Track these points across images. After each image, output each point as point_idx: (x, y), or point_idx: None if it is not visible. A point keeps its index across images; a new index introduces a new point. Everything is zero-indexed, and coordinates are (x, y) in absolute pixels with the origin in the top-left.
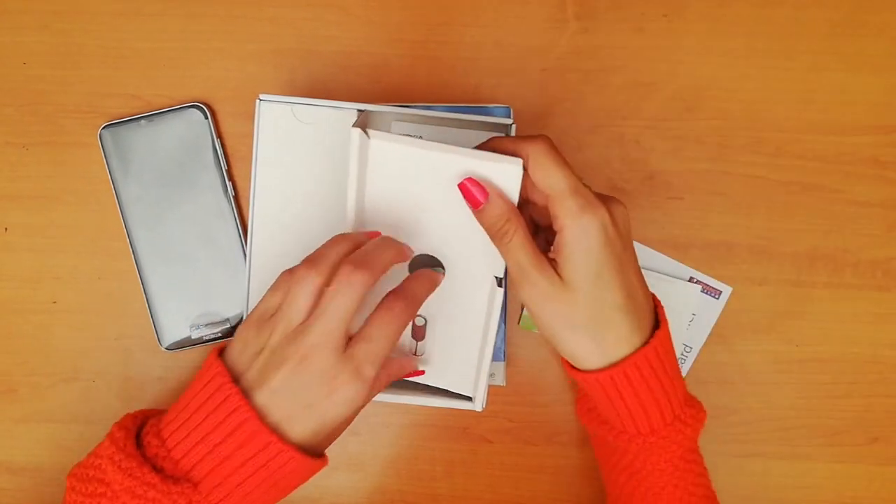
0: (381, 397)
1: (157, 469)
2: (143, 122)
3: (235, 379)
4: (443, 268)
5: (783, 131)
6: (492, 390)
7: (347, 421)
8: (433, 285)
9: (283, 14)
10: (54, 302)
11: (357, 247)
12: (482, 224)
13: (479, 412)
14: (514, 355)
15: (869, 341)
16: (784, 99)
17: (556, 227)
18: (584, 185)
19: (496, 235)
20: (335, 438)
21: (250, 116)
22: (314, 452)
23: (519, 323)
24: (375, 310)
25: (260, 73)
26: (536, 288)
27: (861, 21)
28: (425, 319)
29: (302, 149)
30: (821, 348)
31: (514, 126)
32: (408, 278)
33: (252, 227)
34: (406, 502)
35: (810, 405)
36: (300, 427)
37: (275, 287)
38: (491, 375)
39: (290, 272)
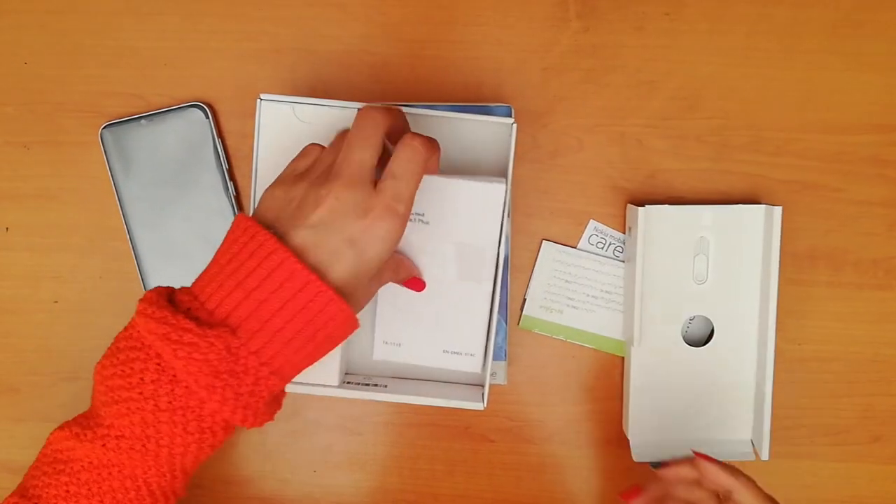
0: (383, 396)
1: (192, 318)
2: (143, 121)
3: (268, 227)
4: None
5: (783, 130)
6: (493, 389)
7: (382, 262)
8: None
9: (283, 13)
10: (55, 301)
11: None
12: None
13: (480, 411)
14: (515, 355)
15: (870, 340)
16: (784, 98)
17: None
18: None
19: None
20: (370, 294)
21: (251, 116)
22: (349, 302)
23: (519, 323)
24: (396, 149)
25: (260, 73)
26: None
27: (861, 20)
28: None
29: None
30: (822, 347)
31: (515, 125)
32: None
33: None
34: (407, 501)
35: (812, 404)
36: (340, 266)
37: (303, 154)
38: (492, 374)
39: (317, 144)
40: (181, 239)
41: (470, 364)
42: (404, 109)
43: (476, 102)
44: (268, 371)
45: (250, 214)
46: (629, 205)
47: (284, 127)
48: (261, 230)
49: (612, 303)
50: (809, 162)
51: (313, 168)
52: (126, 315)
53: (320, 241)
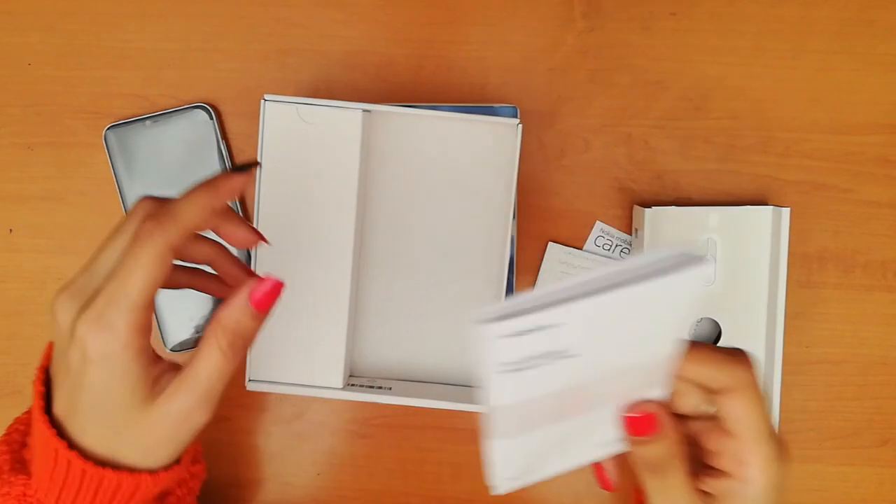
0: (389, 399)
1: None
2: (147, 122)
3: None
4: (252, 166)
5: (792, 131)
6: None
7: (119, 394)
8: (215, 192)
9: (288, 14)
10: None
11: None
12: (635, 454)
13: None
14: None
15: (879, 343)
16: (793, 98)
17: (733, 470)
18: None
19: (652, 469)
20: (148, 436)
21: (255, 117)
22: (123, 461)
23: None
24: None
25: (265, 74)
26: None
27: (871, 20)
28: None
29: (307, 149)
30: (830, 350)
31: (520, 126)
32: (184, 197)
33: (257, 227)
34: None
35: (820, 407)
36: (83, 420)
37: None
38: None
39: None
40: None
41: (477, 407)
42: (410, 110)
43: (481, 103)
44: None
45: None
46: (635, 206)
47: (288, 128)
48: (38, 383)
49: None
50: (818, 162)
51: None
52: None
53: (58, 387)
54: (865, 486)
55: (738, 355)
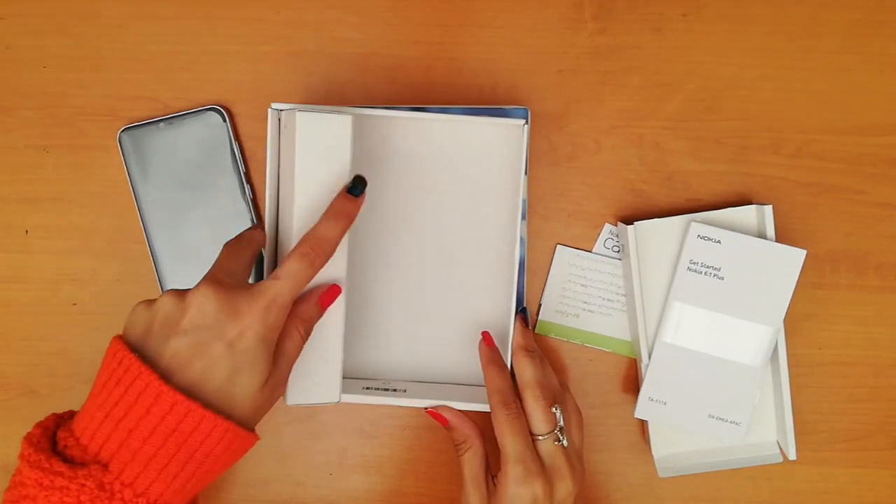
0: (400, 401)
1: (66, 459)
2: (161, 124)
3: (137, 348)
4: (363, 185)
5: (803, 132)
6: None
7: (262, 365)
8: (349, 219)
9: (300, 16)
10: (74, 304)
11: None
12: (451, 439)
13: None
14: None
15: (892, 344)
16: (804, 99)
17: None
18: (534, 453)
19: (458, 448)
20: (259, 402)
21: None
22: (234, 416)
23: (535, 328)
24: (288, 255)
25: (277, 76)
26: (468, 498)
27: (882, 20)
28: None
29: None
30: (843, 352)
31: (527, 127)
32: (322, 219)
33: (270, 229)
34: None
35: (832, 409)
36: (215, 377)
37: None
38: None
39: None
40: (198, 242)
41: (733, 433)
42: (420, 114)
43: (491, 105)
44: (145, 501)
45: (124, 330)
46: (619, 223)
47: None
48: (127, 354)
49: (628, 305)
50: (830, 164)
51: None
52: None
53: (191, 348)
54: (878, 488)
55: (525, 330)
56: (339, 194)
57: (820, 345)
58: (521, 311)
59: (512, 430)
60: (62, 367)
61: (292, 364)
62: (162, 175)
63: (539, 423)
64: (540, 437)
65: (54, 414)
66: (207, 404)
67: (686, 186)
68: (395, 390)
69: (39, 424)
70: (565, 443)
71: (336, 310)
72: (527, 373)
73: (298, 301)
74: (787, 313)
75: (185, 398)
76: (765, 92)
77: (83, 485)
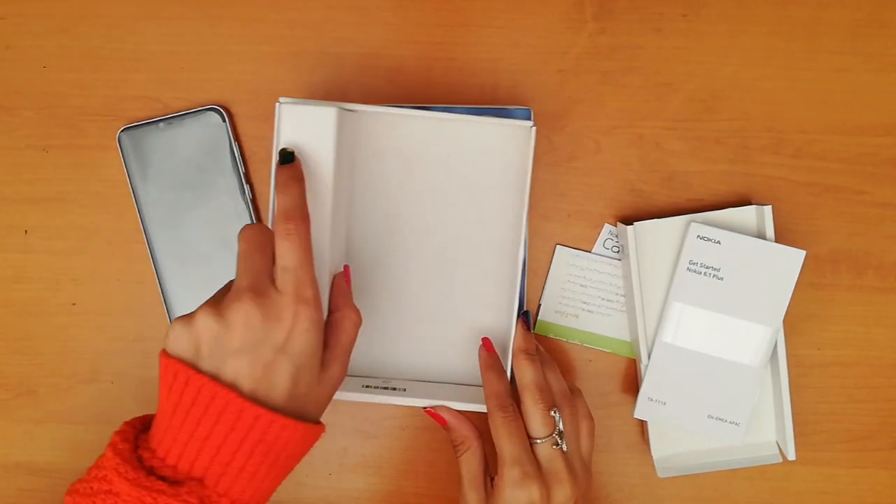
0: (400, 400)
1: (161, 478)
2: (161, 124)
3: (193, 365)
4: (291, 155)
5: (804, 132)
6: None
7: (317, 354)
8: (299, 181)
9: (300, 16)
10: (73, 304)
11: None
12: (449, 439)
13: None
14: None
15: (892, 345)
16: (805, 99)
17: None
18: (532, 455)
19: (456, 449)
20: (329, 386)
21: (268, 119)
22: (304, 414)
23: (534, 328)
24: (276, 244)
25: (277, 76)
26: (466, 498)
27: (884, 20)
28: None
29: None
30: (843, 352)
31: (534, 129)
32: (277, 195)
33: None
34: None
35: (832, 409)
36: (279, 382)
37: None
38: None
39: None
40: (198, 241)
41: (733, 433)
42: (424, 113)
43: (492, 104)
44: None
45: (168, 350)
46: (619, 223)
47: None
48: (194, 374)
49: (628, 305)
50: (831, 164)
51: (210, 300)
52: (144, 317)
53: (251, 364)
54: (878, 488)
55: (525, 333)
56: (276, 168)
57: (820, 345)
58: (524, 315)
59: (508, 432)
60: (62, 367)
61: (350, 347)
62: (162, 175)
63: (537, 426)
64: (538, 441)
65: (129, 423)
66: (282, 410)
67: (686, 186)
68: (394, 389)
69: (122, 435)
70: (564, 447)
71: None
72: (526, 376)
73: (344, 294)
74: (786, 314)
75: (267, 411)
76: (765, 92)
77: (186, 500)
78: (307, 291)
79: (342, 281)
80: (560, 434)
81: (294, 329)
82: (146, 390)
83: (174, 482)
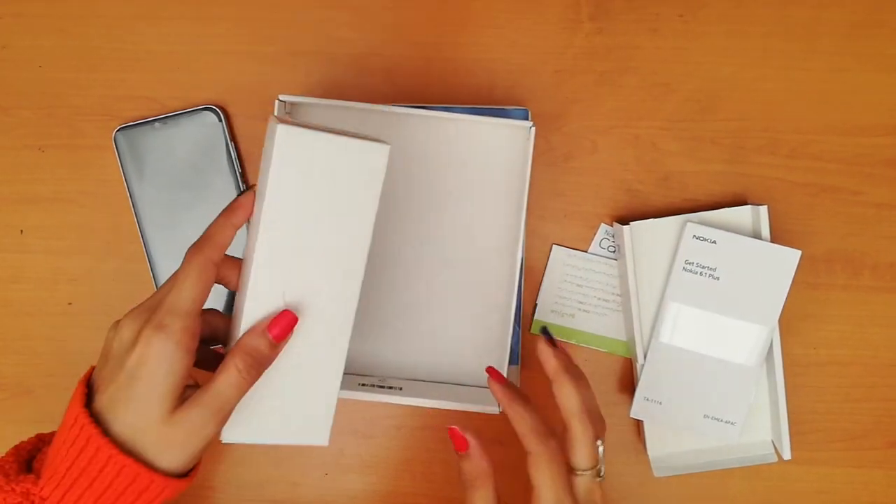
0: (395, 399)
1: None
2: (157, 124)
3: (90, 400)
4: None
5: (801, 132)
6: None
7: (170, 392)
8: (243, 211)
9: (297, 16)
10: (70, 304)
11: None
12: (460, 466)
13: (492, 415)
14: (527, 359)
15: (887, 345)
16: (802, 100)
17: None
18: (572, 495)
19: (469, 483)
20: (169, 437)
21: (264, 118)
22: (140, 452)
23: (530, 328)
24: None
25: (274, 76)
26: None
27: (881, 21)
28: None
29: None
30: (838, 352)
31: (533, 129)
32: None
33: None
34: None
35: (828, 409)
36: (115, 400)
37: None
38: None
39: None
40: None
41: (729, 433)
42: (423, 112)
43: (488, 104)
44: None
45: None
46: (615, 223)
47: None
48: (76, 394)
49: (624, 305)
50: (827, 164)
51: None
52: None
53: (103, 378)
54: (873, 488)
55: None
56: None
57: (815, 345)
58: (545, 332)
59: (552, 472)
60: (58, 367)
61: (229, 405)
62: (158, 175)
63: (583, 458)
64: (579, 473)
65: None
66: (114, 435)
67: (682, 187)
68: (390, 388)
69: (17, 446)
70: (602, 476)
71: (338, 333)
72: (572, 401)
73: (245, 333)
74: (782, 313)
75: (95, 431)
76: (762, 92)
77: (13, 490)
78: (167, 319)
79: (256, 333)
80: (601, 464)
81: (143, 354)
82: None
83: (13, 476)
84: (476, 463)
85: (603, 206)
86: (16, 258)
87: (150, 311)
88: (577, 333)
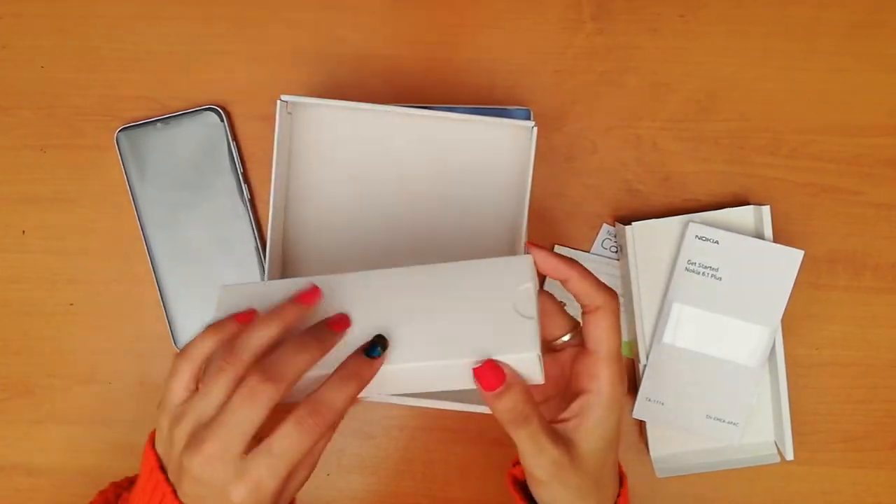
0: (397, 400)
1: None
2: (158, 124)
3: (164, 469)
4: (383, 347)
5: (801, 132)
6: None
7: None
8: (362, 383)
9: (298, 17)
10: (71, 304)
11: (279, 332)
12: (493, 408)
13: (493, 415)
14: None
15: (889, 345)
16: (802, 100)
17: (587, 385)
18: None
19: (513, 421)
20: None
21: (266, 119)
22: None
23: None
24: (286, 420)
25: (275, 76)
26: (552, 461)
27: (881, 21)
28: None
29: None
30: (840, 352)
31: (535, 129)
32: (330, 379)
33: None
34: None
35: (830, 410)
36: None
37: (176, 373)
38: None
39: (186, 357)
40: (196, 241)
41: (731, 433)
42: (424, 112)
43: (489, 104)
44: None
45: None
46: (617, 224)
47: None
48: (161, 480)
49: (626, 306)
50: (828, 164)
51: (190, 408)
52: (141, 317)
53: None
54: (876, 489)
55: (608, 287)
56: (355, 353)
57: (817, 345)
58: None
59: (618, 325)
60: (59, 368)
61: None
62: (159, 175)
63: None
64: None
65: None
66: None
67: (683, 187)
68: None
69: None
70: None
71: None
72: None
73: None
74: (784, 314)
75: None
76: (762, 92)
77: None
78: (268, 483)
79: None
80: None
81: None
82: (144, 391)
83: None
84: (517, 396)
85: (604, 206)
86: (16, 258)
87: (243, 444)
88: None
